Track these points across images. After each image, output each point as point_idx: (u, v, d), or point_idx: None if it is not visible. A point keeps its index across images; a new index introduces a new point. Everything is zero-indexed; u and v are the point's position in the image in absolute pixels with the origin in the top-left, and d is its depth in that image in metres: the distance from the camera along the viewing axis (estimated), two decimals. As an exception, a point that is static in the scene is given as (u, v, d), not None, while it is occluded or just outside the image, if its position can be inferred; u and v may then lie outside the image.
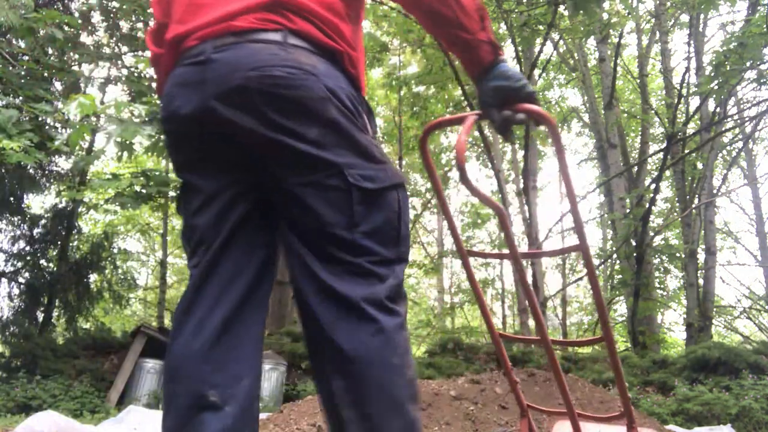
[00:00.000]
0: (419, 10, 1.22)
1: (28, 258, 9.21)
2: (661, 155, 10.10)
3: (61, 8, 8.59)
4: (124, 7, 7.82)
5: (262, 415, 4.57)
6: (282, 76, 1.10)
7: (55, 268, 9.23)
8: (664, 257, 11.32)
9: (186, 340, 1.13)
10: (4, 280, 9.06)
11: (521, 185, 11.26)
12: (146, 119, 4.38)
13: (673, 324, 15.53)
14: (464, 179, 1.15)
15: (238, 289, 1.16)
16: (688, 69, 8.97)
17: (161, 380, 6.93)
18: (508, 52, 15.43)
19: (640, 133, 13.03)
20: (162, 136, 5.13)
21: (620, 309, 15.02)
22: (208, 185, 1.20)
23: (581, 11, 4.22)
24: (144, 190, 5.45)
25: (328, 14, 1.18)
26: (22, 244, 9.26)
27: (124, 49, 8.79)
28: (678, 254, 10.38)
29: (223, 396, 1.09)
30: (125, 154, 4.96)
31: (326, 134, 1.13)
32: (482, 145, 11.32)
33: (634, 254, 8.95)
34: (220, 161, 1.20)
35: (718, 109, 9.00)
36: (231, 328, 1.14)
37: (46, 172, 9.14)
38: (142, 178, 5.57)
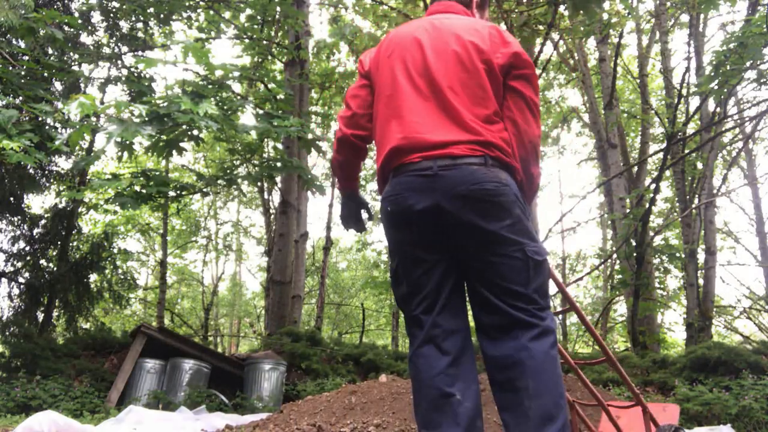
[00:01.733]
0: (522, 145, 1.90)
1: (28, 258, 9.20)
2: (661, 155, 10.09)
3: (61, 8, 8.59)
4: (124, 7, 7.82)
5: (263, 415, 4.57)
6: (489, 188, 1.75)
7: (55, 268, 9.22)
8: (664, 257, 11.31)
9: (432, 362, 1.77)
10: (4, 280, 9.06)
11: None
12: (146, 119, 4.38)
13: (673, 324, 15.53)
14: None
15: (458, 333, 1.82)
16: (688, 69, 8.96)
17: (161, 380, 6.94)
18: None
19: (640, 133, 13.03)
20: (161, 136, 5.13)
21: (620, 309, 15.02)
22: (431, 258, 1.83)
23: (581, 11, 4.22)
24: (144, 190, 5.44)
25: (505, 145, 1.84)
26: (22, 244, 9.26)
27: (124, 49, 8.78)
28: (678, 254, 10.37)
29: (462, 395, 1.73)
30: (125, 154, 4.96)
31: (515, 223, 1.77)
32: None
33: (634, 254, 8.94)
34: (440, 242, 1.82)
35: (718, 109, 8.99)
36: (458, 361, 1.78)
37: (46, 172, 9.13)
38: (142, 178, 5.57)
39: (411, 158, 1.81)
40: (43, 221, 9.39)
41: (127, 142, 4.81)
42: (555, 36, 10.90)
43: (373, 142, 2.02)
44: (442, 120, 1.83)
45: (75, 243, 9.87)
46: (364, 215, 2.27)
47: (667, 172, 11.16)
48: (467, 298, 1.90)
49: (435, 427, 1.71)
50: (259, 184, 14.84)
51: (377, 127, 1.96)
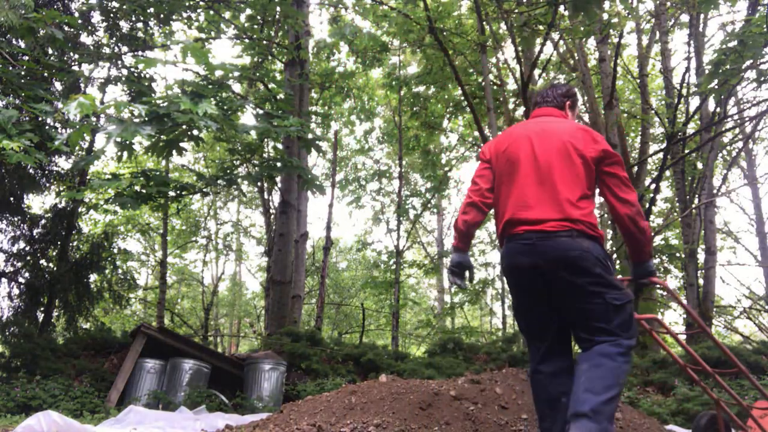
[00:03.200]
0: (628, 234, 2.62)
1: (28, 258, 9.20)
2: (661, 155, 10.09)
3: (61, 8, 8.59)
4: (124, 7, 7.82)
5: (263, 415, 4.57)
6: (575, 255, 2.44)
7: (55, 268, 9.22)
8: (664, 257, 11.31)
9: (546, 376, 2.57)
10: (4, 280, 9.05)
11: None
12: (146, 119, 4.38)
13: (673, 324, 15.51)
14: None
15: (563, 353, 2.61)
16: (688, 69, 8.97)
17: (161, 380, 6.94)
18: (509, 52, 15.42)
19: (640, 133, 13.02)
20: (161, 136, 5.13)
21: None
22: (540, 300, 2.58)
23: (581, 12, 4.22)
24: (144, 190, 5.45)
25: (590, 219, 2.52)
26: (22, 244, 9.26)
27: (124, 49, 8.78)
28: (678, 254, 10.37)
29: (567, 397, 2.43)
30: (125, 154, 4.96)
31: (597, 279, 2.45)
32: (482, 145, 11.30)
33: (634, 254, 8.94)
34: (543, 290, 2.55)
35: (718, 109, 8.99)
36: (564, 372, 2.55)
37: (46, 172, 9.13)
38: (142, 178, 5.57)
39: (518, 230, 2.56)
40: (43, 221, 9.39)
41: (127, 142, 4.81)
42: (555, 36, 10.90)
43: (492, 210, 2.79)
44: (542, 201, 2.53)
45: (75, 243, 9.87)
46: (468, 274, 2.85)
47: (667, 172, 11.16)
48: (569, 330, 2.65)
49: (550, 418, 2.52)
50: (259, 184, 14.85)
51: (498, 201, 2.71)
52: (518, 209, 2.56)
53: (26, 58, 6.26)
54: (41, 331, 8.45)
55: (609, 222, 13.96)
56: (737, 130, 12.20)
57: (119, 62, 8.34)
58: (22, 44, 6.77)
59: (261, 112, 6.02)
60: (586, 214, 2.51)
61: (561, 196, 2.50)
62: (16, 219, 9.22)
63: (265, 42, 9.69)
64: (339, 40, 11.57)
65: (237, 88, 12.28)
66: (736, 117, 10.36)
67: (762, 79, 6.67)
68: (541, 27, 8.28)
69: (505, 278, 2.72)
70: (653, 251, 2.89)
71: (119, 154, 5.00)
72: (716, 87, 6.86)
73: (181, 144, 5.22)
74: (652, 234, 2.51)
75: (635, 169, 11.82)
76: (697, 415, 3.77)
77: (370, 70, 14.63)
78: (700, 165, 9.95)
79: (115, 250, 10.83)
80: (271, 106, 7.15)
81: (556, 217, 2.48)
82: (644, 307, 9.01)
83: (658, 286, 2.74)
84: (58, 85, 8.38)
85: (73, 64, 8.06)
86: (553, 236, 2.46)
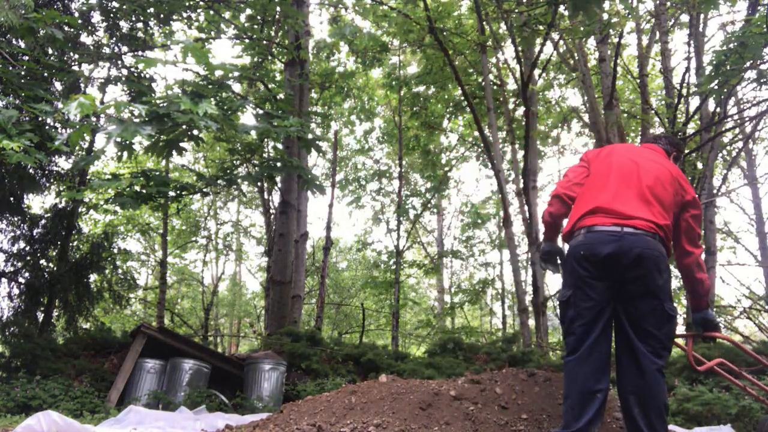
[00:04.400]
0: (690, 281, 2.96)
1: (28, 258, 9.20)
2: (661, 155, 10.06)
3: (61, 8, 8.59)
4: (124, 7, 7.82)
5: (263, 415, 4.57)
6: (657, 255, 2.66)
7: (55, 268, 9.22)
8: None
9: (585, 370, 2.65)
10: (4, 280, 9.05)
11: (521, 185, 11.25)
12: (146, 119, 4.38)
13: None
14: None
15: (605, 350, 2.70)
16: (688, 69, 8.97)
17: (161, 380, 6.94)
18: (509, 52, 15.42)
19: (640, 133, 13.02)
20: (161, 136, 5.13)
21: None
22: (597, 297, 2.70)
23: (581, 11, 4.22)
24: (144, 190, 5.45)
25: (668, 232, 2.77)
26: (22, 244, 9.25)
27: (124, 49, 8.78)
28: (678, 254, 10.34)
29: (602, 393, 2.64)
30: (125, 154, 4.96)
31: (664, 284, 2.69)
32: (482, 145, 11.31)
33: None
34: (603, 285, 2.70)
35: (718, 109, 8.99)
36: (602, 368, 2.67)
37: (46, 172, 9.13)
38: (142, 178, 5.57)
39: (605, 221, 2.71)
40: (43, 221, 9.38)
41: (127, 142, 4.81)
42: (555, 36, 10.89)
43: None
44: (635, 202, 2.74)
45: (75, 243, 9.87)
46: (558, 260, 3.08)
47: (667, 172, 11.13)
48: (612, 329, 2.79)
49: (576, 412, 2.61)
50: (259, 184, 14.84)
51: (585, 196, 2.87)
52: (609, 202, 2.74)
53: (26, 58, 6.26)
54: (41, 331, 8.45)
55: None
56: (737, 130, 12.20)
57: (119, 62, 8.34)
58: (22, 44, 6.77)
59: (261, 112, 6.02)
60: (668, 226, 2.76)
61: (651, 204, 2.74)
62: (16, 219, 9.21)
63: (265, 42, 9.69)
64: (339, 40, 11.57)
65: (237, 88, 12.28)
66: (736, 117, 10.36)
67: (762, 80, 6.67)
68: (541, 27, 8.28)
69: (568, 268, 2.80)
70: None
71: (119, 154, 5.00)
72: (716, 87, 6.86)
73: (181, 144, 5.22)
74: (710, 287, 3.04)
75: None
76: (762, 419, 3.92)
77: (370, 70, 14.63)
78: (700, 165, 9.94)
79: (115, 250, 10.83)
80: (271, 106, 7.15)
81: (645, 218, 2.69)
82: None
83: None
84: (58, 85, 8.38)
85: (73, 64, 8.06)
86: (641, 233, 2.65)
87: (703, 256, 9.77)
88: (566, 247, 2.97)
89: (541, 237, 3.08)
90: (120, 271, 10.71)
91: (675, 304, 2.72)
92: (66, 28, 7.44)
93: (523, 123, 10.40)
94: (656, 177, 2.82)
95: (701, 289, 2.88)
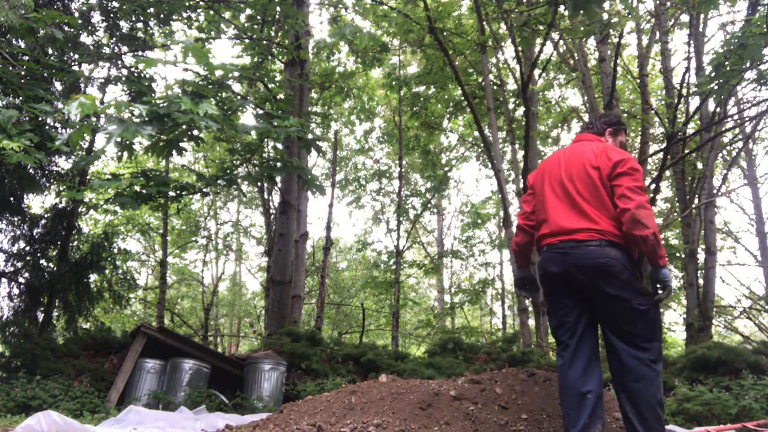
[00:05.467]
0: (634, 244, 2.76)
1: (28, 258, 9.19)
2: (661, 155, 10.09)
3: (61, 8, 8.58)
4: (124, 7, 7.82)
5: (263, 415, 4.57)
6: (603, 262, 2.72)
7: (55, 268, 9.22)
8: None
9: (572, 373, 2.77)
10: (4, 280, 9.05)
11: (521, 185, 11.25)
12: (146, 119, 4.38)
13: (673, 324, 15.52)
14: None
15: (589, 352, 2.84)
16: (688, 69, 8.96)
17: (161, 380, 6.94)
18: (509, 52, 15.41)
19: (640, 133, 13.02)
20: (161, 136, 5.13)
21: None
22: (569, 303, 2.88)
23: (581, 11, 4.22)
24: (144, 190, 5.44)
25: (616, 230, 2.76)
26: (22, 244, 9.25)
27: (124, 49, 8.78)
28: (678, 254, 10.36)
29: (593, 394, 2.72)
30: (125, 154, 4.96)
31: (623, 285, 2.72)
32: (482, 145, 11.31)
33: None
34: (573, 294, 2.87)
35: (718, 109, 8.99)
36: (589, 370, 2.79)
37: (46, 172, 9.13)
38: (142, 178, 5.57)
39: (552, 240, 2.89)
40: (43, 221, 9.38)
41: (127, 142, 4.81)
42: (555, 36, 10.89)
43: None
44: (572, 214, 2.85)
45: (75, 243, 9.86)
46: (533, 286, 3.36)
47: (667, 172, 11.16)
48: (598, 328, 2.93)
49: (574, 416, 2.70)
50: (259, 184, 14.84)
51: (538, 221, 3.06)
52: (553, 223, 2.92)
53: (26, 58, 6.26)
54: (41, 331, 8.45)
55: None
56: (737, 130, 12.20)
57: (119, 62, 8.33)
58: (22, 44, 6.77)
59: (261, 112, 6.02)
60: (613, 224, 2.77)
61: (587, 210, 2.81)
62: (16, 219, 9.21)
63: (265, 42, 9.69)
64: (339, 40, 11.56)
65: (237, 88, 12.28)
66: (736, 117, 10.36)
67: (762, 80, 6.67)
68: (541, 27, 8.28)
69: (540, 284, 3.09)
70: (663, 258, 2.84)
71: (119, 154, 5.00)
72: (716, 87, 6.86)
73: (181, 144, 5.22)
74: (659, 240, 2.72)
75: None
76: None
77: (370, 70, 14.63)
78: (700, 165, 9.94)
79: (115, 250, 10.82)
80: (271, 106, 7.15)
81: (584, 227, 2.79)
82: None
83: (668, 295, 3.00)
84: (58, 85, 8.37)
85: (73, 64, 8.05)
86: (583, 245, 2.77)
87: (703, 257, 9.81)
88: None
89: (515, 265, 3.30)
90: (120, 271, 10.70)
91: (645, 298, 2.73)
92: (66, 28, 7.44)
93: (523, 123, 10.40)
94: (578, 176, 2.90)
95: (643, 247, 2.70)
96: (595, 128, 3.24)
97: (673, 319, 16.23)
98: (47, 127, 6.06)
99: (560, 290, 2.89)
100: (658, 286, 2.79)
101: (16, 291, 9.13)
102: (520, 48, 9.69)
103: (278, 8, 8.36)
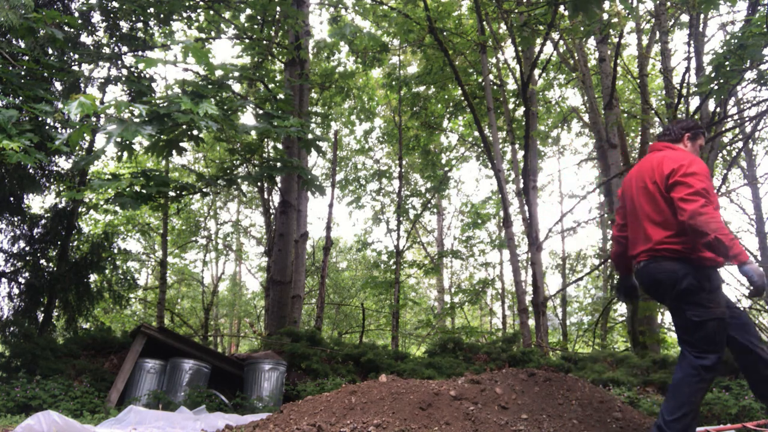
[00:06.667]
0: (690, 230, 2.83)
1: (28, 258, 9.19)
2: (661, 155, 10.05)
3: (61, 8, 8.58)
4: (124, 7, 7.82)
5: (263, 415, 4.57)
6: (660, 278, 3.00)
7: (55, 268, 9.22)
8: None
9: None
10: (4, 280, 9.05)
11: (521, 185, 11.25)
12: (146, 119, 4.38)
13: (673, 324, 15.49)
14: None
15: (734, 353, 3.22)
16: (688, 69, 8.96)
17: (161, 380, 6.93)
18: (509, 52, 15.39)
19: (640, 133, 13.02)
20: (161, 136, 5.14)
21: (620, 309, 15.02)
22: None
23: (581, 12, 4.22)
24: (144, 190, 5.44)
25: (672, 245, 2.95)
26: (22, 244, 9.25)
27: (124, 49, 8.78)
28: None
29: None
30: (125, 154, 4.96)
31: (679, 296, 2.93)
32: (482, 145, 11.31)
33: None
34: (656, 300, 3.28)
35: (718, 109, 8.99)
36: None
37: (46, 172, 9.13)
38: (142, 178, 5.57)
39: (634, 261, 3.21)
40: (43, 221, 9.38)
41: (127, 142, 4.81)
42: (555, 36, 10.89)
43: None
44: (639, 234, 3.12)
45: (75, 243, 9.86)
46: (633, 293, 3.56)
47: (667, 172, 11.12)
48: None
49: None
50: (259, 184, 14.84)
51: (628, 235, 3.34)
52: (630, 245, 3.25)
53: (26, 58, 6.26)
54: (41, 331, 8.45)
55: (609, 222, 13.95)
56: (737, 130, 12.20)
57: (119, 62, 8.34)
58: (22, 44, 6.76)
59: (261, 112, 6.02)
60: (672, 237, 2.93)
61: (648, 227, 3.03)
62: (16, 219, 9.21)
63: (265, 42, 9.69)
64: (339, 40, 11.55)
65: (237, 88, 12.28)
66: (736, 117, 10.36)
67: (762, 80, 6.67)
68: (541, 27, 8.28)
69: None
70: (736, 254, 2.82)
71: (119, 154, 5.00)
72: (716, 87, 6.85)
73: (181, 144, 5.22)
74: (725, 240, 2.74)
75: (635, 169, 11.80)
76: None
77: (370, 70, 14.63)
78: (700, 165, 9.91)
79: (115, 250, 10.82)
80: (271, 106, 7.14)
81: (645, 249, 3.05)
82: (644, 306, 9.01)
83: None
84: (58, 85, 8.37)
85: (73, 64, 8.05)
86: (644, 265, 3.07)
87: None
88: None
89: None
90: (120, 271, 10.70)
91: (702, 310, 2.86)
92: (66, 28, 7.44)
93: (523, 123, 10.40)
94: (643, 191, 3.10)
95: (713, 251, 2.78)
96: (672, 134, 3.29)
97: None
98: (47, 127, 6.06)
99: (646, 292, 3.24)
100: (747, 284, 2.81)
101: (16, 291, 9.13)
102: (520, 48, 9.69)
103: (278, 8, 8.37)
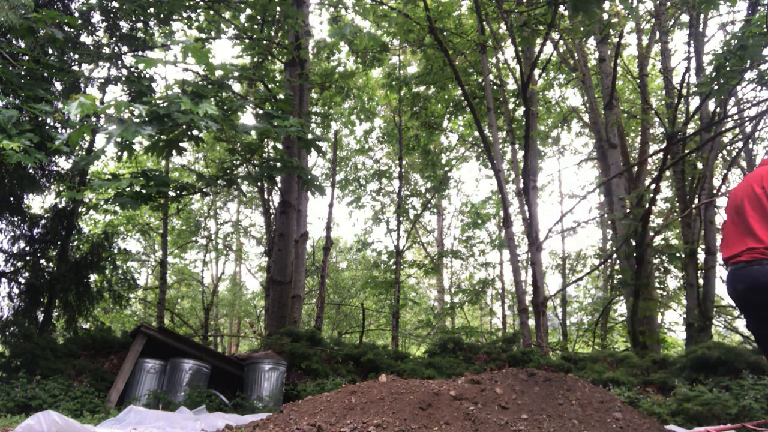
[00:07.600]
0: None
1: (28, 258, 9.19)
2: (661, 155, 10.10)
3: (61, 8, 8.58)
4: (124, 7, 7.82)
5: (263, 415, 4.57)
6: (763, 281, 3.01)
7: (55, 268, 9.22)
8: (664, 257, 11.31)
9: None
10: (4, 280, 9.05)
11: (521, 185, 11.25)
12: (146, 119, 4.38)
13: (673, 324, 15.51)
14: None
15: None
16: (688, 69, 8.97)
17: (161, 380, 6.94)
18: (509, 52, 15.39)
19: (640, 133, 13.03)
20: (161, 136, 5.14)
21: (620, 309, 15.02)
22: (751, 314, 3.21)
23: (581, 12, 4.22)
24: (144, 190, 5.44)
25: None
26: (22, 244, 9.25)
27: (124, 49, 8.78)
28: (678, 254, 10.37)
29: None
30: (125, 154, 4.96)
31: None
32: (482, 145, 11.31)
33: (634, 254, 8.94)
34: (750, 307, 3.18)
35: (718, 109, 8.99)
36: None
37: (46, 172, 9.13)
38: (142, 178, 5.57)
39: (730, 262, 3.26)
40: (43, 221, 9.38)
41: (127, 142, 4.81)
42: (555, 36, 10.90)
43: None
44: (740, 237, 3.22)
45: (75, 243, 9.86)
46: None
47: (667, 172, 11.16)
48: None
49: None
50: (259, 184, 14.84)
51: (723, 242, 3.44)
52: (728, 246, 3.33)
53: (26, 58, 6.26)
54: (41, 331, 8.45)
55: (609, 222, 13.97)
56: (737, 130, 12.20)
57: (119, 62, 8.34)
58: (22, 44, 6.76)
59: (261, 112, 6.02)
60: None
61: (755, 230, 3.13)
62: (16, 219, 9.21)
63: (265, 42, 9.70)
64: (339, 40, 11.56)
65: (237, 88, 12.28)
66: (736, 117, 10.36)
67: (762, 80, 6.67)
68: (541, 27, 8.28)
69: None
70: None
71: (119, 154, 5.00)
72: (716, 88, 6.86)
73: (181, 144, 5.22)
74: None
75: (635, 169, 11.82)
76: None
77: (370, 70, 14.63)
78: (700, 165, 9.94)
79: (115, 250, 10.82)
80: (271, 106, 7.15)
81: (746, 248, 3.14)
82: (643, 306, 9.02)
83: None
84: (58, 85, 8.37)
85: (73, 64, 8.05)
86: (746, 267, 3.12)
87: (703, 257, 9.83)
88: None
89: None
90: (120, 271, 10.70)
91: None
92: (66, 28, 7.44)
93: (523, 123, 10.40)
94: (749, 197, 3.25)
95: None
96: None
97: (673, 319, 16.24)
98: (47, 127, 6.06)
99: (743, 304, 3.24)
100: None
101: (16, 291, 9.13)
102: (520, 48, 9.69)
103: (278, 8, 8.36)
